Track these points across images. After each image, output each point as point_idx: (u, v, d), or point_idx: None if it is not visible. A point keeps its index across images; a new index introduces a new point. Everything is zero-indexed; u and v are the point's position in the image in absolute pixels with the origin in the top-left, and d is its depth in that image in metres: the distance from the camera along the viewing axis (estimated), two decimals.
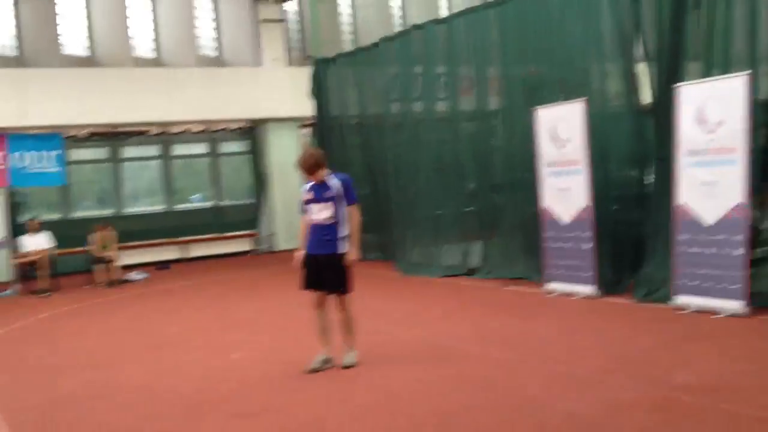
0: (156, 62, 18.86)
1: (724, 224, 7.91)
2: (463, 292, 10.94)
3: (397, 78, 14.46)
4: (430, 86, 13.60)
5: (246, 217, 19.75)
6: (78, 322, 10.99)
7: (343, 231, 6.84)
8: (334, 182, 6.81)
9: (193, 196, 20.67)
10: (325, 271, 6.81)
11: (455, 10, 15.81)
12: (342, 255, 6.82)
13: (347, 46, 19.77)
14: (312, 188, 6.89)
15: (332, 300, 6.93)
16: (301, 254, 6.94)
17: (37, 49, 17.34)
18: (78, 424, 5.90)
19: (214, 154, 20.32)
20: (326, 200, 6.78)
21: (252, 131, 19.78)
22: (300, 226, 7.07)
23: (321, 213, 6.79)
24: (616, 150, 10.10)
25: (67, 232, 16.64)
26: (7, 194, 16.61)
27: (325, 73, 16.55)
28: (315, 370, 6.81)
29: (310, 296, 6.94)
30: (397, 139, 14.44)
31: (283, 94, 18.54)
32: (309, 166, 6.78)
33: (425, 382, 6.34)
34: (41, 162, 16.44)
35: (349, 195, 6.82)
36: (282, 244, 19.06)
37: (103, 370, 7.71)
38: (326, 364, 6.90)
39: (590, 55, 10.35)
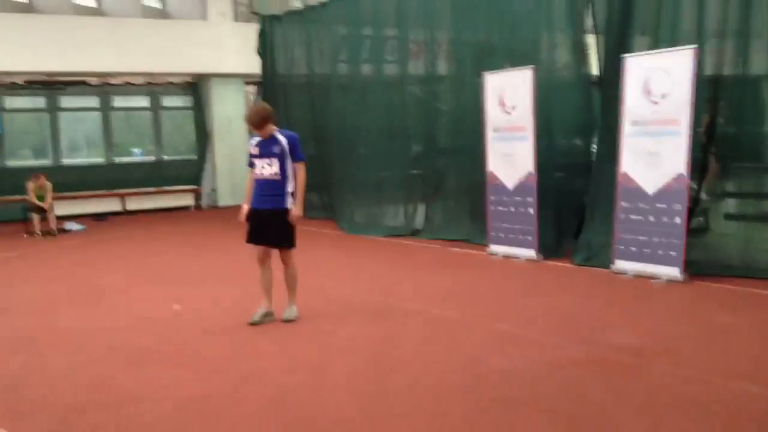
0: (98, 11, 18.31)
1: (664, 194, 8.08)
2: (406, 252, 10.99)
3: (346, 39, 14.33)
4: (379, 49, 13.51)
5: (188, 172, 19.48)
6: (13, 269, 10.72)
7: (289, 187, 6.78)
8: (281, 139, 6.75)
9: (134, 150, 20.28)
10: (269, 226, 6.78)
11: None
12: (287, 210, 6.77)
13: (296, 4, 19.49)
14: (259, 144, 6.82)
15: (276, 255, 6.88)
16: (246, 208, 6.87)
17: None
18: (7, 370, 5.75)
19: (156, 108, 19.92)
20: (272, 156, 6.72)
21: (195, 86, 19.42)
22: (246, 181, 6.98)
23: (266, 168, 6.74)
24: (562, 119, 10.23)
25: (2, 181, 16.21)
26: None
27: (272, 31, 16.29)
28: (256, 323, 6.80)
29: (255, 250, 6.88)
30: (344, 101, 14.35)
31: (228, 49, 18.23)
32: (257, 121, 6.70)
33: (365, 337, 6.37)
34: None
35: (295, 152, 6.77)
36: (224, 200, 18.89)
37: (37, 317, 7.54)
38: (267, 318, 6.88)
39: (540, 24, 10.40)
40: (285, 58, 16.08)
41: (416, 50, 12.84)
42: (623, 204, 8.51)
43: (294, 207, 6.80)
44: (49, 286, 9.32)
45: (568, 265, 9.25)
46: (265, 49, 16.48)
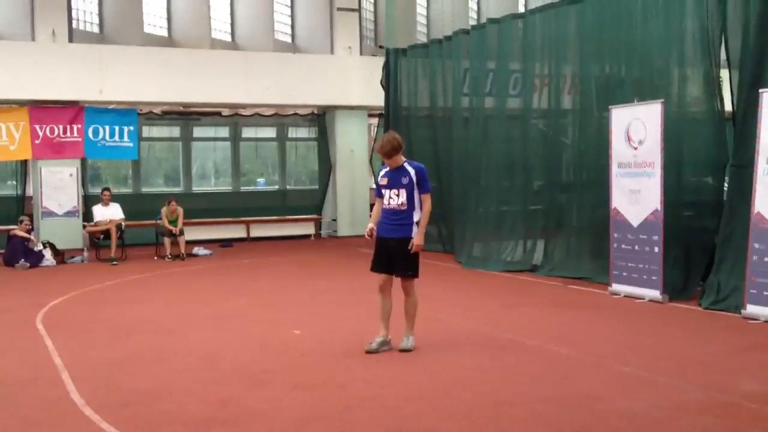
0: (232, 45, 19.16)
1: None
2: (524, 288, 10.87)
3: (469, 72, 14.41)
4: (502, 82, 13.52)
5: (310, 202, 19.95)
6: (144, 290, 11.26)
7: (415, 217, 6.91)
8: (410, 170, 6.88)
9: (258, 180, 21.00)
10: (395, 255, 6.88)
11: (532, 6, 15.66)
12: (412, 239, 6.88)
13: (421, 38, 19.78)
14: (387, 174, 6.98)
15: (398, 283, 6.97)
16: (372, 226, 7.00)
17: (118, 26, 17.82)
18: (140, 384, 6.04)
19: (282, 138, 20.57)
20: (401, 186, 6.86)
21: (321, 118, 19.93)
22: (375, 208, 7.13)
23: (394, 199, 6.88)
24: (692, 155, 9.93)
25: (137, 207, 17.10)
26: (81, 165, 17.05)
27: (396, 64, 16.57)
28: (373, 351, 6.87)
29: (377, 279, 6.99)
30: (465, 134, 14.40)
31: (354, 82, 18.64)
32: (388, 150, 6.84)
33: (481, 371, 6.33)
34: (116, 136, 16.86)
35: (423, 184, 6.89)
36: (343, 230, 19.20)
37: (167, 336, 7.90)
38: (383, 347, 6.95)
39: (671, 57, 10.17)
40: (408, 90, 16.31)
41: (540, 83, 12.79)
42: (756, 245, 8.15)
43: (416, 236, 6.87)
44: (177, 306, 9.72)
45: (694, 307, 8.90)
46: (389, 81, 16.76)
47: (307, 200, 20.04)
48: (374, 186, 7.17)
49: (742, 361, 6.58)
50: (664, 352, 6.87)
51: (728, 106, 9.49)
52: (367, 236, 7.06)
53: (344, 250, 16.40)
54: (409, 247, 6.85)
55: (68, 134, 16.26)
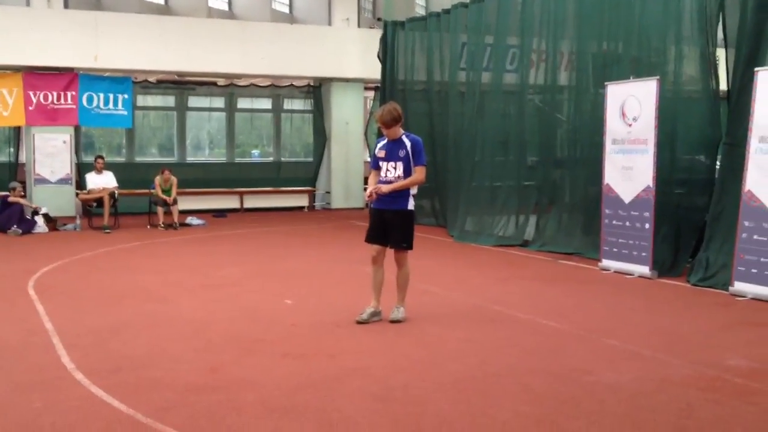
0: (229, 14, 19.05)
1: None
2: (516, 262, 10.93)
3: (466, 46, 14.37)
4: (500, 57, 13.48)
5: (304, 174, 19.95)
6: (136, 258, 11.28)
7: (413, 189, 6.91)
8: (407, 142, 6.86)
9: (253, 152, 20.99)
10: (390, 227, 6.91)
11: None
12: (409, 212, 6.92)
13: (419, 11, 19.68)
14: (385, 146, 6.95)
15: (391, 256, 7.00)
16: (375, 187, 6.87)
17: None
18: (130, 350, 6.07)
19: (277, 110, 20.52)
20: (398, 159, 6.84)
21: (317, 90, 19.87)
22: (370, 179, 7.10)
23: (391, 171, 6.87)
24: (686, 133, 9.95)
25: (130, 175, 17.09)
26: (75, 133, 16.98)
27: (394, 37, 16.49)
28: (363, 321, 6.91)
29: (371, 250, 7.02)
30: (461, 109, 14.38)
31: (351, 55, 18.56)
32: (388, 120, 6.79)
33: (471, 342, 6.39)
34: (110, 104, 16.81)
35: (418, 156, 6.85)
36: (337, 202, 19.23)
37: (158, 304, 7.93)
38: (374, 317, 6.99)
39: (667, 35, 10.14)
40: (405, 63, 16.24)
41: (537, 59, 12.76)
42: (746, 223, 8.20)
43: (387, 185, 6.79)
44: (170, 275, 9.75)
45: (683, 284, 8.97)
46: (386, 54, 16.69)
47: (301, 172, 20.04)
48: (369, 159, 7.12)
49: (728, 336, 6.65)
50: (651, 327, 6.94)
51: (723, 85, 9.50)
52: (366, 198, 7.01)
53: (337, 222, 16.43)
54: (369, 194, 6.81)
55: (62, 101, 16.22)
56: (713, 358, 5.85)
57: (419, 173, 6.90)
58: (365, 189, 7.20)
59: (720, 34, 9.56)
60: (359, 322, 6.91)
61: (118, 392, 5.00)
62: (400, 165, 6.84)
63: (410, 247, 7.00)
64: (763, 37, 8.76)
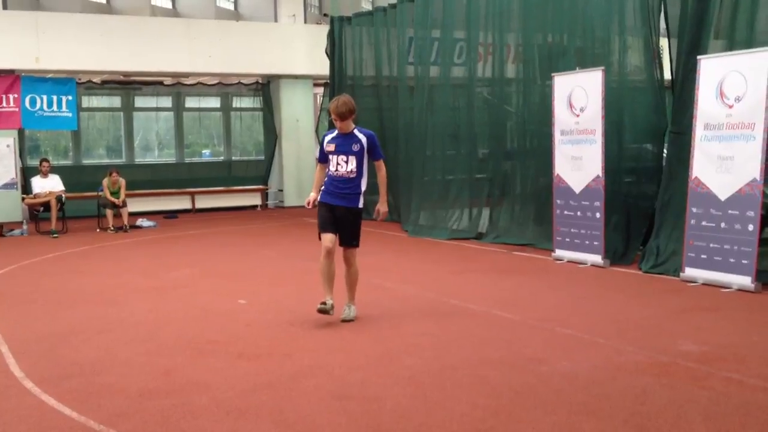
0: (173, 12, 18.79)
1: (737, 200, 7.88)
2: (470, 255, 10.97)
3: (414, 41, 14.38)
4: (447, 51, 13.52)
5: (256, 172, 19.80)
6: (86, 262, 11.06)
7: (363, 185, 6.81)
8: (361, 137, 6.72)
9: (203, 151, 20.76)
10: (341, 224, 6.78)
11: None
12: (360, 210, 6.83)
13: (366, 6, 19.64)
14: (335, 139, 6.78)
15: (341, 252, 6.90)
16: (314, 196, 6.84)
17: None
18: (82, 356, 5.94)
19: (226, 108, 20.31)
20: (351, 153, 6.69)
21: (265, 87, 19.71)
22: (315, 173, 7.03)
23: (342, 166, 6.71)
24: (633, 122, 10.09)
25: (78, 178, 16.76)
26: (19, 136, 16.58)
27: (341, 33, 16.43)
28: (325, 312, 6.64)
29: (325, 240, 6.74)
30: (411, 103, 14.40)
31: (298, 51, 18.47)
32: (343, 112, 6.62)
33: (427, 336, 6.38)
34: (54, 106, 16.43)
35: (375, 151, 6.77)
36: (290, 200, 19.12)
37: (110, 307, 7.77)
38: (332, 309, 6.79)
39: (611, 26, 10.28)
40: (353, 59, 16.21)
41: (485, 52, 12.82)
42: (694, 210, 8.34)
43: (380, 203, 6.88)
44: (120, 278, 9.58)
45: (635, 271, 9.10)
46: (334, 50, 16.62)
47: (252, 171, 19.89)
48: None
49: (680, 322, 6.75)
50: (605, 315, 7.02)
51: (667, 75, 9.65)
52: (306, 206, 6.90)
53: (290, 220, 16.34)
54: (375, 216, 6.90)
55: (4, 104, 15.78)
56: (666, 344, 5.93)
57: (381, 168, 6.84)
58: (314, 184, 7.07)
59: (663, 24, 9.72)
60: (321, 312, 6.61)
61: (69, 400, 4.89)
62: (353, 159, 6.68)
63: (358, 244, 6.92)
64: (704, 25, 8.92)
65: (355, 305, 7.01)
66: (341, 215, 6.78)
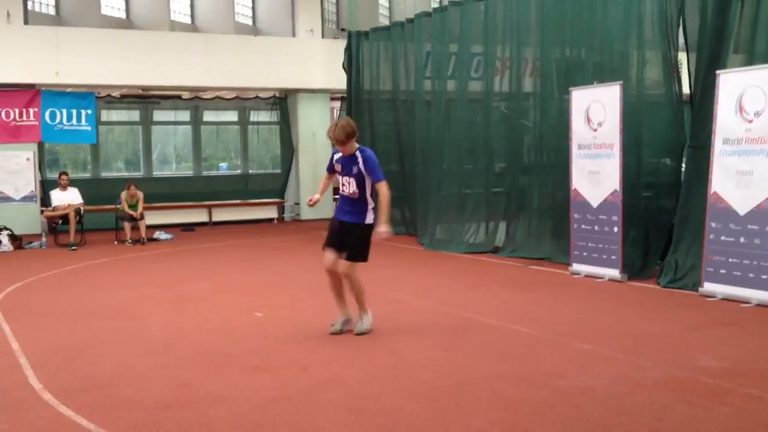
0: (192, 27, 18.93)
1: (756, 215, 7.82)
2: (487, 269, 10.94)
3: (431, 55, 14.41)
4: (464, 65, 13.53)
5: (272, 186, 19.87)
6: (104, 275, 11.12)
7: (371, 203, 6.81)
8: (360, 159, 6.71)
9: (220, 165, 20.88)
10: (347, 236, 6.80)
11: None
12: (368, 225, 6.81)
13: (383, 21, 19.71)
14: (341, 160, 6.83)
15: (341, 264, 6.82)
16: (316, 198, 6.93)
17: (75, 8, 17.54)
18: (99, 369, 5.97)
19: (244, 122, 20.42)
20: (351, 175, 6.72)
21: (282, 101, 19.80)
22: (323, 180, 7.17)
23: (346, 186, 6.79)
24: (651, 136, 10.04)
25: (96, 191, 16.89)
26: (39, 150, 16.75)
27: (359, 47, 16.47)
28: (337, 332, 6.84)
29: (324, 260, 6.84)
30: (427, 117, 14.40)
31: (316, 65, 18.54)
32: (341, 137, 6.63)
33: (444, 350, 6.36)
34: (73, 120, 16.57)
35: (374, 173, 6.70)
36: (306, 213, 19.14)
37: (127, 321, 7.80)
38: (346, 325, 6.91)
39: (630, 40, 10.25)
40: (371, 73, 16.23)
41: (502, 66, 12.83)
42: (713, 225, 8.28)
43: (381, 226, 6.78)
44: (137, 290, 9.62)
45: (653, 286, 9.04)
46: (351, 64, 16.67)
47: (269, 184, 19.96)
48: None
49: (698, 337, 6.70)
50: (623, 330, 6.96)
51: (686, 89, 9.61)
52: (308, 203, 6.98)
53: (306, 233, 16.36)
54: (377, 237, 6.79)
55: (24, 118, 15.94)
56: (685, 360, 5.88)
57: (381, 190, 6.73)
58: (335, 199, 7.16)
59: (681, 38, 9.68)
60: (333, 333, 6.84)
61: (86, 411, 4.91)
62: (353, 181, 6.70)
63: (365, 259, 6.85)
64: (723, 39, 8.88)
65: (370, 314, 6.98)
66: (348, 229, 6.80)
